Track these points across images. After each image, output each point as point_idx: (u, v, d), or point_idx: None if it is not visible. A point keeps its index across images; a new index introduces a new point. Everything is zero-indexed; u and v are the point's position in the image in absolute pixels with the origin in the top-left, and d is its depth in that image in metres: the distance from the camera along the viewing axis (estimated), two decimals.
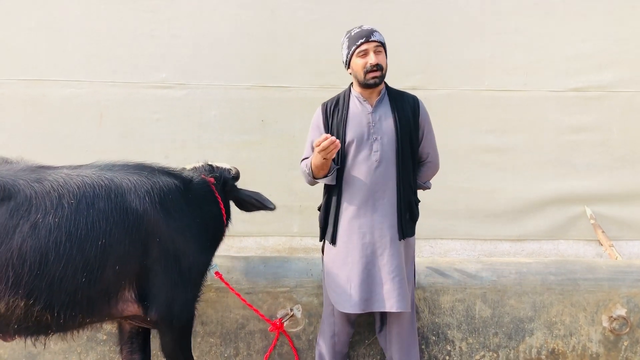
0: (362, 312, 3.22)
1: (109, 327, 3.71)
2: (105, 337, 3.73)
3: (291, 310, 3.72)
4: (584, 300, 3.78)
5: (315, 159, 3.06)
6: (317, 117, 3.32)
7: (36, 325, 2.70)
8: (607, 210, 5.11)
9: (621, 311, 3.78)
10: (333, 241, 3.26)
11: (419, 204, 3.38)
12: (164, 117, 5.08)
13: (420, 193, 3.45)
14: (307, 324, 3.77)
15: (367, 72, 3.09)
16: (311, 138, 3.30)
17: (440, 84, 5.06)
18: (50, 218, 2.59)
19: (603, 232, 4.87)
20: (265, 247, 5.11)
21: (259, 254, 4.90)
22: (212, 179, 3.33)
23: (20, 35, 4.99)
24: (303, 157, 3.36)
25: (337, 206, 3.24)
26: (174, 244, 2.93)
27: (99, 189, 2.73)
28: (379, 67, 3.08)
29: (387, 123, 3.18)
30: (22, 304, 2.59)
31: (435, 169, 3.43)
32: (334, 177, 3.21)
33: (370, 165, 3.16)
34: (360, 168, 3.17)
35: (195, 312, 3.28)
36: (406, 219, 3.23)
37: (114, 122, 5.07)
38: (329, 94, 5.05)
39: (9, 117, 5.00)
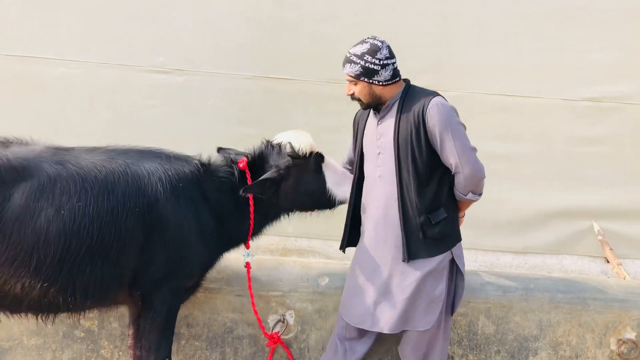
0: (355, 325, 3.16)
1: (88, 324, 3.49)
2: (82, 334, 3.50)
3: (283, 316, 3.51)
4: (593, 321, 3.61)
5: None
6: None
7: (47, 306, 2.76)
8: (615, 226, 4.89)
9: (631, 334, 3.60)
10: (342, 247, 3.34)
11: (444, 218, 3.04)
12: (159, 103, 4.82)
13: None
14: (299, 331, 3.56)
15: None
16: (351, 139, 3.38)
17: (450, 85, 4.79)
18: (75, 202, 2.63)
19: (611, 249, 4.68)
20: (257, 245, 4.83)
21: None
22: (244, 163, 3.24)
23: (10, 9, 4.71)
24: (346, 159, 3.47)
25: (352, 213, 3.27)
26: (177, 231, 2.94)
27: (118, 174, 2.78)
28: (354, 97, 3.07)
29: (388, 137, 3.02)
30: (38, 286, 2.62)
31: (469, 179, 2.95)
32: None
33: (374, 179, 3.10)
34: (368, 181, 3.15)
35: (179, 307, 3.17)
36: (417, 240, 2.98)
37: (105, 106, 4.81)
38: (336, 90, 4.89)
39: None
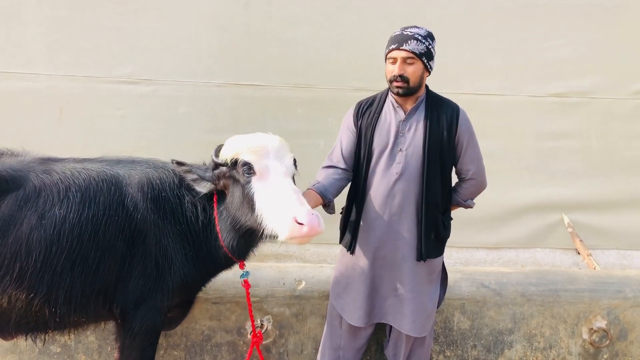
0: (366, 325, 3.14)
1: (64, 339, 3.45)
2: (59, 349, 3.46)
3: (261, 321, 3.51)
4: (565, 311, 3.67)
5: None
6: (349, 115, 3.16)
7: (35, 321, 2.72)
8: (584, 218, 5.01)
9: (601, 323, 3.68)
10: (350, 248, 3.11)
11: (451, 221, 3.14)
12: (129, 113, 4.80)
13: None
14: (277, 336, 3.57)
15: (391, 81, 2.94)
16: (341, 137, 3.16)
17: None
18: (56, 209, 2.63)
19: (581, 240, 4.78)
20: None
21: None
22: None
23: None
24: (329, 155, 3.17)
25: (357, 212, 3.11)
26: (157, 246, 2.82)
27: (102, 183, 2.76)
28: (402, 79, 2.88)
29: (417, 135, 2.95)
30: (24, 297, 2.61)
31: (478, 187, 3.13)
32: (333, 208, 3.03)
33: (389, 177, 3.00)
34: (379, 178, 3.02)
35: (161, 325, 3.02)
36: (430, 239, 3.00)
37: (74, 118, 4.78)
38: (304, 94, 4.93)
39: None
